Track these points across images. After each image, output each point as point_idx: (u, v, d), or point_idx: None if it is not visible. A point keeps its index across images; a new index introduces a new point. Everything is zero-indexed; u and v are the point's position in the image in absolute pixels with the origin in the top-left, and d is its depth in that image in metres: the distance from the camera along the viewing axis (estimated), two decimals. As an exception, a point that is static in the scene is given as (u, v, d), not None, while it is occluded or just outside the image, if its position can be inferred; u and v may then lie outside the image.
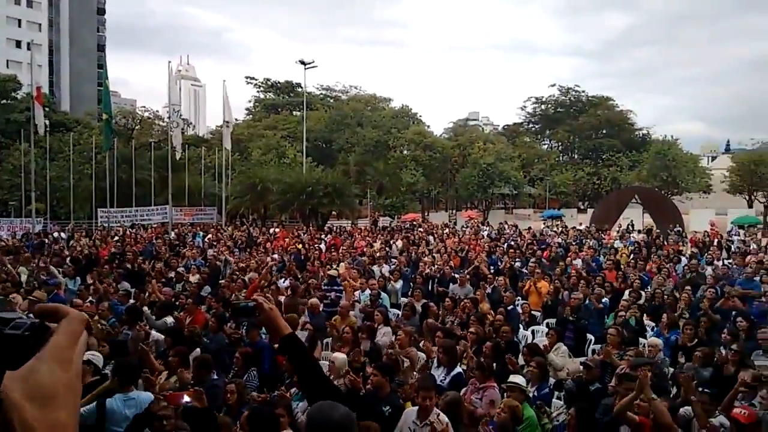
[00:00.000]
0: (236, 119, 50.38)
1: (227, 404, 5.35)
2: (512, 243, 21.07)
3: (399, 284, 12.42)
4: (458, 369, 6.24)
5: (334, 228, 27.62)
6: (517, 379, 5.38)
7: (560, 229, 28.38)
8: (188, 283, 12.15)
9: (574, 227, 28.80)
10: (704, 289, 10.88)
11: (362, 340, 7.30)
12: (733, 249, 21.13)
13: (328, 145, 55.15)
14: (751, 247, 20.99)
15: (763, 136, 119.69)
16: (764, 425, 4.73)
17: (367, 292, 10.77)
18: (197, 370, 6.12)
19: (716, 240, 24.01)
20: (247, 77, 70.70)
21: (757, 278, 13.13)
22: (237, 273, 13.01)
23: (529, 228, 29.21)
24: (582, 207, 57.89)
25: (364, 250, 18.28)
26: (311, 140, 51.11)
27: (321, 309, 10.11)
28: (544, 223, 36.16)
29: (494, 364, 6.14)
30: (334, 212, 34.03)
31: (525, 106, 73.69)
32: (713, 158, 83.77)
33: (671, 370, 7.27)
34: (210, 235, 23.00)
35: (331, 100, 65.94)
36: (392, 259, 16.17)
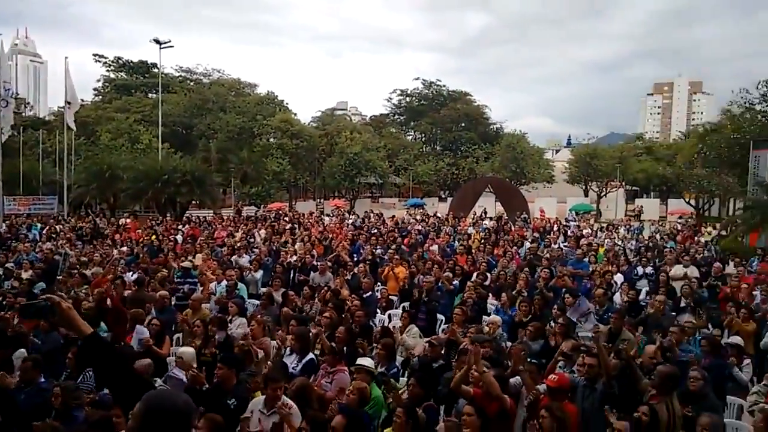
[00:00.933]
0: (82, 100, 45.91)
1: (54, 407, 4.92)
2: (375, 231, 21.63)
3: (259, 274, 12.19)
4: (310, 355, 6.28)
5: (193, 218, 26.34)
6: (365, 361, 5.54)
7: (421, 217, 29.60)
8: (18, 279, 10.93)
9: (434, 215, 30.20)
10: (540, 270, 11.96)
11: (214, 332, 7.06)
12: (568, 233, 23.51)
13: (188, 131, 52.34)
14: (584, 232, 23.52)
15: (599, 131, 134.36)
16: (578, 389, 5.35)
17: (224, 283, 10.43)
18: (24, 372, 5.66)
19: (555, 226, 26.59)
20: (95, 55, 64.69)
21: (586, 259, 14.78)
22: (78, 267, 11.92)
23: (393, 216, 30.14)
24: (443, 196, 60.87)
25: (225, 240, 17.68)
26: (168, 125, 48.14)
27: (173, 303, 9.67)
28: (407, 212, 37.51)
29: (345, 348, 6.26)
30: (194, 202, 32.47)
31: (391, 98, 75.69)
32: (557, 151, 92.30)
33: (509, 344, 7.92)
34: (48, 227, 20.81)
35: (192, 84, 62.45)
36: (255, 249, 15.82)
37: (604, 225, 28.53)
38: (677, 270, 12.86)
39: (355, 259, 15.38)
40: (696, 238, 22.69)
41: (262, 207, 41.44)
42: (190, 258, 12.77)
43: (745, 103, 33.01)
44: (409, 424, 4.58)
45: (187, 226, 22.30)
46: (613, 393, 5.03)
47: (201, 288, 10.53)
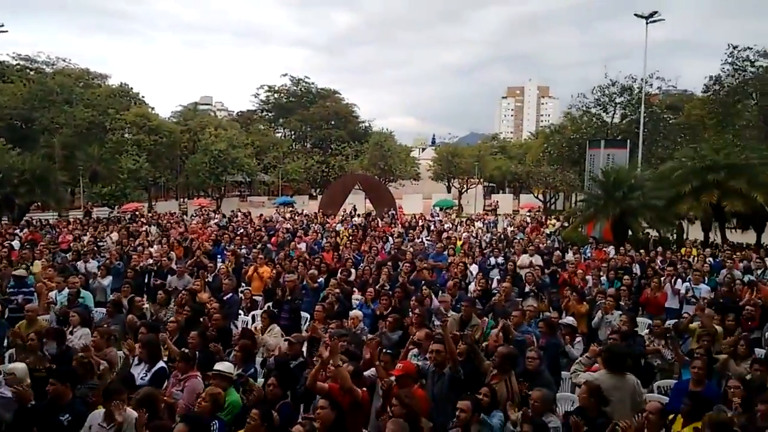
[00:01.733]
0: None
1: None
2: (241, 230, 21.04)
3: (107, 280, 11.30)
4: (161, 364, 5.96)
5: (34, 221, 23.76)
6: (221, 365, 5.37)
7: (290, 215, 29.29)
8: None
9: (302, 213, 30.07)
10: (402, 264, 12.41)
11: (49, 344, 6.43)
12: (432, 228, 24.61)
13: (28, 125, 46.98)
14: (446, 226, 24.75)
15: (461, 131, 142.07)
16: (428, 375, 5.63)
17: (65, 291, 9.53)
18: None
19: (420, 221, 27.71)
20: None
21: (446, 252, 15.58)
22: None
23: (261, 215, 29.51)
24: (314, 194, 60.75)
25: (71, 245, 16.18)
26: (5, 118, 42.95)
27: (6, 315, 8.69)
28: (276, 210, 36.93)
29: (199, 354, 6.02)
30: (37, 203, 29.27)
31: (258, 94, 74.01)
32: (423, 150, 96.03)
33: (369, 336, 8.11)
34: None
35: (32, 73, 56.08)
36: (105, 254, 14.63)
37: (464, 219, 30.23)
38: (523, 259, 14.01)
39: (219, 260, 14.90)
40: (542, 229, 24.85)
41: (117, 208, 38.46)
42: (26, 265, 11.50)
43: (582, 107, 36.89)
44: (264, 425, 4.52)
45: (25, 230, 20.05)
46: (459, 377, 5.36)
47: (38, 298, 9.52)
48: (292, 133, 73.45)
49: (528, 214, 39.69)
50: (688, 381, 5.86)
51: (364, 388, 5.39)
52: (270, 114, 75.00)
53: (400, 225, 26.18)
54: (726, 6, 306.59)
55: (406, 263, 12.03)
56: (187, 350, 5.94)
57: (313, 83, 73.89)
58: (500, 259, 14.79)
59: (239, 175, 51.07)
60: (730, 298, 10.04)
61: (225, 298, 9.89)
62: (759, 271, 12.93)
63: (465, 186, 56.57)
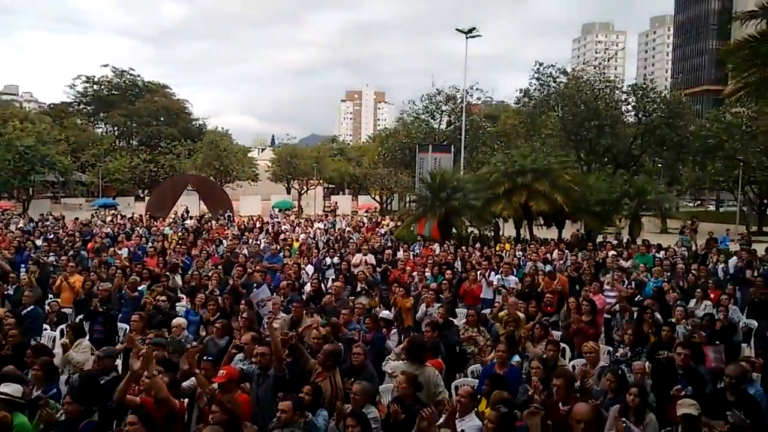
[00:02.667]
0: None
1: None
2: (51, 236, 18.84)
3: None
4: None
5: None
6: (5, 388, 4.77)
7: (110, 218, 26.90)
8: None
9: (123, 216, 27.82)
10: (235, 267, 12.06)
11: None
12: (269, 230, 24.27)
13: None
14: (283, 228, 24.54)
15: (302, 132, 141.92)
16: (253, 378, 5.55)
17: None
18: None
19: (258, 223, 27.18)
20: None
21: (281, 254, 15.47)
22: None
23: (77, 219, 26.67)
24: (140, 195, 56.45)
25: None
26: None
27: None
28: (95, 213, 33.68)
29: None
30: None
31: (75, 85, 66.82)
32: (262, 150, 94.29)
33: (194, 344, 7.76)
34: None
35: None
36: None
37: (302, 220, 30.29)
38: (357, 258, 14.42)
39: (23, 269, 13.17)
40: (377, 229, 25.81)
41: None
42: None
43: (413, 113, 39.04)
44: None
45: None
46: (284, 377, 5.37)
47: None
48: (115, 128, 67.58)
49: (365, 214, 40.93)
50: (494, 365, 6.49)
51: (184, 399, 5.16)
52: (89, 107, 68.15)
53: (236, 227, 25.45)
54: (535, 27, 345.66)
55: (238, 266, 11.71)
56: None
57: (139, 76, 68.78)
58: (336, 259, 15.09)
59: (51, 175, 45.51)
60: (533, 287, 11.32)
61: (25, 311, 8.77)
62: (561, 262, 14.74)
63: (305, 187, 56.67)
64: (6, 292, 10.17)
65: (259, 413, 5.29)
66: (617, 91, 33.57)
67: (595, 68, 34.59)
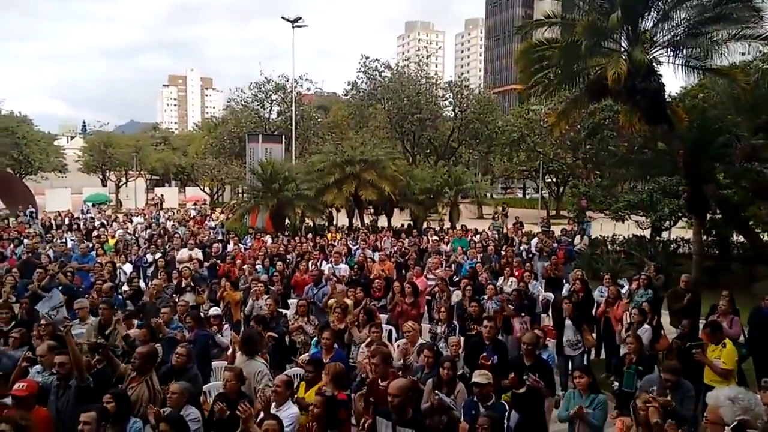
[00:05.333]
0: None
1: None
2: None
3: None
4: None
5: None
6: None
7: None
8: None
9: None
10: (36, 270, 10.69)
11: None
12: (80, 226, 21.92)
13: None
14: (96, 224, 22.29)
15: (119, 119, 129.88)
16: (52, 391, 4.99)
17: None
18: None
19: (67, 219, 24.42)
20: None
21: (93, 252, 14.05)
22: None
23: None
24: None
25: None
26: None
27: None
28: None
29: None
30: None
31: None
32: (72, 138, 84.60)
33: None
34: None
35: None
36: None
37: (121, 215, 27.85)
38: (182, 253, 13.69)
39: None
40: (206, 222, 24.67)
41: None
42: None
43: (241, 101, 37.85)
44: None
45: None
46: (88, 387, 4.91)
47: None
48: None
49: (193, 207, 38.86)
50: (319, 352, 6.61)
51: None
52: None
53: (39, 224, 22.60)
54: (363, 21, 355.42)
55: (39, 269, 10.39)
56: None
57: None
58: (158, 255, 14.12)
59: None
60: (361, 273, 11.71)
61: None
62: (393, 250, 15.34)
63: (123, 179, 52.06)
64: None
65: (61, 427, 4.79)
66: (437, 88, 35.91)
67: (416, 65, 36.48)
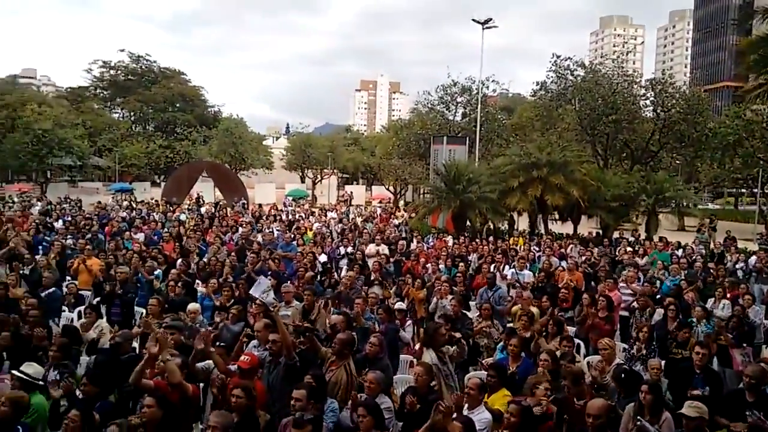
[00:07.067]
0: None
1: None
2: (69, 219, 19.08)
3: None
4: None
5: None
6: (27, 368, 4.86)
7: (127, 203, 27.15)
8: None
9: (143, 201, 28.04)
10: (249, 254, 12.11)
11: None
12: (283, 218, 24.35)
13: None
14: (297, 216, 24.63)
15: (316, 121, 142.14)
16: (264, 365, 5.58)
17: None
18: None
19: (272, 211, 27.29)
20: None
21: (295, 242, 15.50)
22: None
23: (99, 202, 26.99)
24: (157, 180, 56.85)
25: None
26: None
27: None
28: (113, 197, 34.01)
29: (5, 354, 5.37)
30: None
31: (91, 69, 67.23)
32: (277, 138, 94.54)
33: (209, 328, 7.81)
34: None
35: None
36: None
37: (317, 210, 30.35)
38: (371, 248, 14.43)
39: (40, 251, 13.37)
40: (391, 220, 25.78)
41: None
42: None
43: (427, 104, 38.77)
44: (83, 427, 4.19)
45: None
46: (294, 365, 5.38)
47: None
48: (132, 114, 68.02)
49: (379, 205, 40.89)
50: (505, 358, 6.46)
51: (198, 383, 5.20)
52: (105, 92, 68.60)
53: (250, 214, 25.56)
54: (552, 19, 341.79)
55: (252, 254, 11.76)
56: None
57: (155, 61, 69.07)
58: (349, 249, 15.09)
59: (68, 158, 45.98)
60: (548, 282, 11.23)
61: (44, 293, 8.88)
62: (582, 259, 14.49)
63: (319, 176, 56.67)
64: (21, 272, 10.30)
65: (269, 400, 5.32)
66: (635, 86, 33.05)
67: (613, 62, 33.93)
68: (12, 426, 4.21)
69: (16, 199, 28.23)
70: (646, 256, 14.86)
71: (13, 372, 4.89)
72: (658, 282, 11.44)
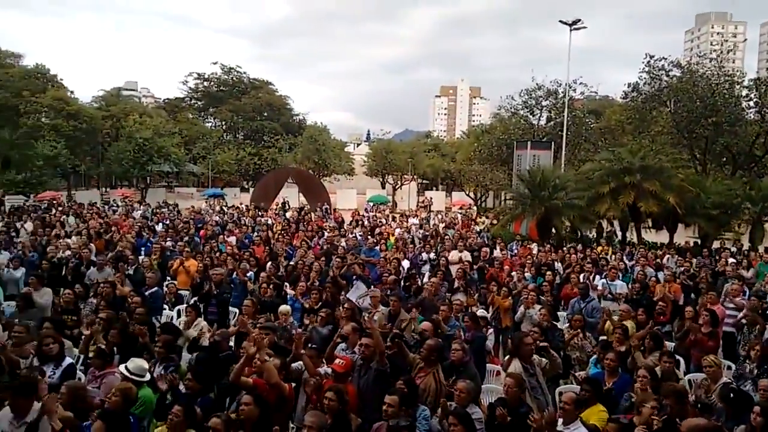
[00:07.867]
0: None
1: None
2: (168, 222, 20.34)
3: (19, 272, 10.61)
4: (68, 360, 5.71)
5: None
6: (130, 365, 5.22)
7: (220, 207, 28.56)
8: None
9: (234, 206, 29.39)
10: (334, 258, 12.37)
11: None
12: (365, 223, 24.69)
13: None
14: (379, 222, 24.88)
15: (396, 128, 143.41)
16: (355, 369, 5.65)
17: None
18: None
19: (354, 216, 27.73)
20: None
21: (378, 247, 15.68)
22: None
23: (193, 206, 28.62)
24: (245, 186, 59.45)
25: (-23, 235, 15.04)
26: None
27: None
28: (206, 202, 35.90)
29: (116, 349, 5.79)
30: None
31: (187, 81, 71.55)
32: (358, 145, 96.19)
33: (299, 330, 8.04)
34: None
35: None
36: (18, 245, 13.74)
37: (397, 215, 30.53)
38: (453, 255, 14.31)
39: (143, 252, 14.34)
40: (472, 226, 25.48)
41: (32, 196, 36.09)
42: None
43: (510, 108, 38.03)
44: (186, 422, 4.43)
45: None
46: (385, 371, 5.42)
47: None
48: (223, 123, 71.57)
49: (459, 211, 40.54)
50: (600, 373, 6.19)
51: (292, 383, 5.36)
52: (199, 103, 72.74)
53: (333, 219, 26.12)
54: (642, 18, 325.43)
55: (338, 258, 12.00)
56: (103, 346, 5.69)
57: (245, 73, 72.39)
58: (432, 255, 15.06)
59: (166, 165, 49.12)
60: (643, 294, 10.66)
61: (148, 292, 9.51)
62: (680, 270, 13.65)
63: (399, 182, 57.03)
64: (126, 272, 11.07)
65: (360, 405, 5.38)
66: (737, 86, 30.75)
67: (712, 61, 31.73)
68: (125, 415, 4.52)
69: (120, 204, 30.43)
70: (751, 269, 13.78)
71: (121, 368, 5.25)
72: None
